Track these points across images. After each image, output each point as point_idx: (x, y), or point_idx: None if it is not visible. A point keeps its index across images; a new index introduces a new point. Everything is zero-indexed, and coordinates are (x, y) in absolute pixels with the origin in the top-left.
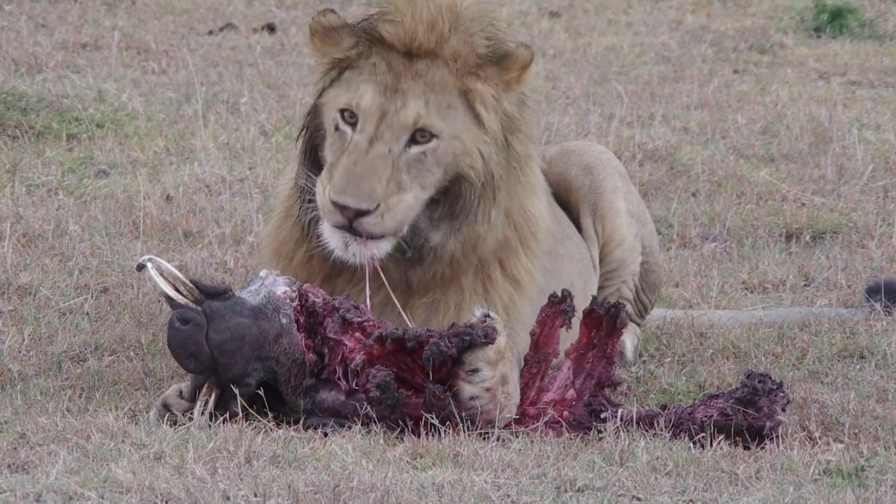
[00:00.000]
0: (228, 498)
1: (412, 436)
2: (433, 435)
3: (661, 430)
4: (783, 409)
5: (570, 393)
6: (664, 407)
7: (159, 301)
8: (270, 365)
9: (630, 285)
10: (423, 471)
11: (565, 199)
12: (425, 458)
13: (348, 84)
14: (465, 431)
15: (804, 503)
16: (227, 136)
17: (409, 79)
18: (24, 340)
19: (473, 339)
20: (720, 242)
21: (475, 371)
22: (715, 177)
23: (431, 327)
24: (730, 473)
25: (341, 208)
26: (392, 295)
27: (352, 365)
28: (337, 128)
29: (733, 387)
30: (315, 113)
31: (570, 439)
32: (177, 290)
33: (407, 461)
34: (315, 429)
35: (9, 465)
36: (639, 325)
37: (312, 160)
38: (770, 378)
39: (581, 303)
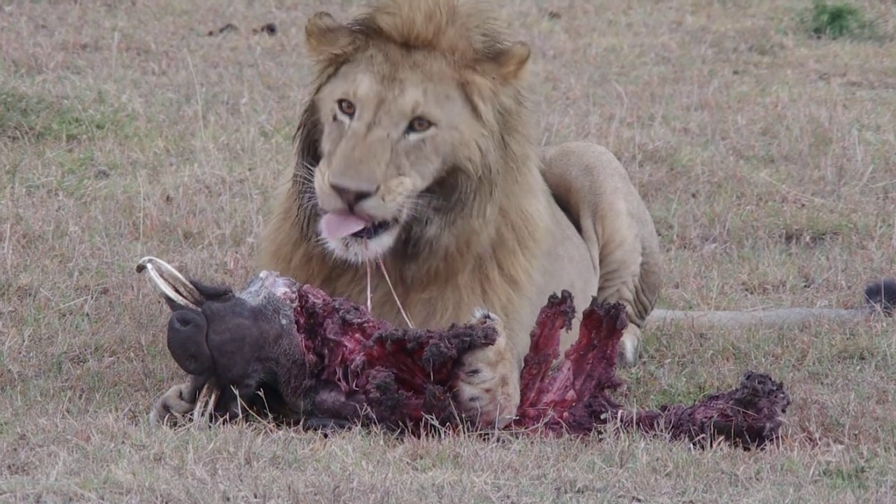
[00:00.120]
0: (228, 499)
1: (412, 437)
2: (433, 436)
3: (661, 431)
4: (783, 410)
5: (570, 394)
6: (664, 408)
7: (159, 302)
8: (270, 366)
9: (630, 286)
10: (423, 472)
11: (565, 200)
12: (425, 459)
13: (345, 77)
14: (465, 432)
15: None
16: (227, 137)
17: (407, 68)
18: (24, 341)
19: (473, 340)
20: (720, 243)
21: (475, 372)
22: (715, 178)
23: (430, 328)
24: (730, 474)
25: (341, 191)
26: (393, 293)
27: (352, 366)
28: (335, 118)
29: (733, 388)
30: (312, 109)
31: (570, 440)
32: (177, 291)
33: (407, 462)
34: (315, 430)
35: (9, 466)
36: (639, 325)
37: (311, 154)
38: (770, 379)
39: (581, 304)
